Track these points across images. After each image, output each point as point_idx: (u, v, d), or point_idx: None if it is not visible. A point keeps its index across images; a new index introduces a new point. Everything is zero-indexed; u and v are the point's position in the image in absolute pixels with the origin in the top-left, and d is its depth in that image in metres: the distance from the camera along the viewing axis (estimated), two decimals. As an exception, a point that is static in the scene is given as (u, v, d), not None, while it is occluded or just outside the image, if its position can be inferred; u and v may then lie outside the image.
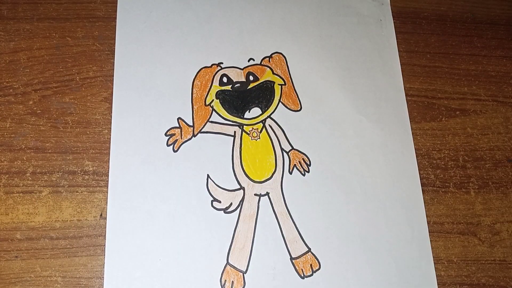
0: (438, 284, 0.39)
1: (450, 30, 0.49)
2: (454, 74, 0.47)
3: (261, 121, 0.41)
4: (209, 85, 0.42)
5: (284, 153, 0.41)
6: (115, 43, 0.42)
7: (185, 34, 0.43)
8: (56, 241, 0.36)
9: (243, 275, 0.37)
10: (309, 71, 0.44)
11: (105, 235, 0.36)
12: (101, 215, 0.37)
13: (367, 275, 0.38)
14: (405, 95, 0.45)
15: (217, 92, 0.41)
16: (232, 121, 0.41)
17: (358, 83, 0.44)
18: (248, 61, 0.43)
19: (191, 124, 0.40)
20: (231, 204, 0.38)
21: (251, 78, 0.42)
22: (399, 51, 0.47)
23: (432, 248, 0.40)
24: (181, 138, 0.39)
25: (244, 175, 0.39)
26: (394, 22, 0.48)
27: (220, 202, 0.38)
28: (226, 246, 0.37)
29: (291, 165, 0.40)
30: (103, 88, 0.41)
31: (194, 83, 0.42)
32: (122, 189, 0.37)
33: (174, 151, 0.39)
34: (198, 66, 0.42)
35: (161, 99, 0.41)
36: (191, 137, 0.40)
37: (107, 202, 0.37)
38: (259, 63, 0.43)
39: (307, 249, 0.38)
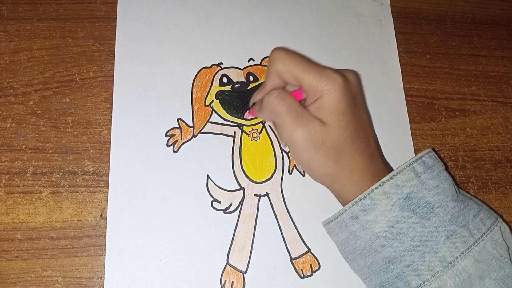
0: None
1: (450, 30, 0.49)
2: (454, 74, 0.47)
3: (261, 122, 0.41)
4: (209, 85, 0.42)
5: (284, 154, 0.41)
6: (115, 43, 0.42)
7: (185, 34, 0.43)
8: (56, 241, 0.36)
9: (243, 275, 0.37)
10: (309, 71, 0.44)
11: (105, 235, 0.36)
12: (101, 215, 0.37)
13: (367, 275, 0.38)
14: (405, 96, 0.45)
15: (217, 92, 0.41)
16: (232, 122, 0.41)
17: (358, 84, 0.44)
18: (248, 61, 0.43)
19: (191, 125, 0.40)
20: (231, 204, 0.38)
21: (251, 78, 0.42)
22: (399, 51, 0.47)
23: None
24: (181, 139, 0.40)
25: (244, 176, 0.39)
26: (394, 22, 0.48)
27: (220, 202, 0.38)
28: (226, 246, 0.37)
29: (291, 165, 0.41)
30: (103, 88, 0.41)
31: (194, 84, 0.42)
32: (122, 190, 0.37)
33: (174, 152, 0.39)
34: (198, 66, 0.42)
35: (161, 99, 0.41)
36: (191, 138, 0.40)
37: (107, 202, 0.37)
38: (259, 63, 0.43)
39: (307, 250, 0.38)
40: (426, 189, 0.32)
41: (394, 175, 0.32)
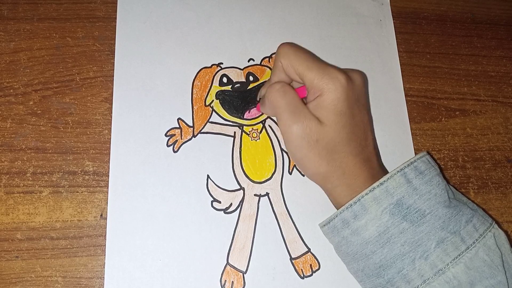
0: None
1: (450, 30, 0.49)
2: (454, 74, 0.47)
3: (261, 122, 0.41)
4: (209, 85, 0.42)
5: (284, 154, 0.41)
6: (115, 43, 0.42)
7: (185, 34, 0.43)
8: (56, 241, 0.36)
9: (243, 275, 0.37)
10: (309, 71, 0.44)
11: (105, 235, 0.36)
12: (101, 215, 0.37)
13: (367, 275, 0.38)
14: (405, 96, 0.45)
15: (217, 92, 0.41)
16: (232, 122, 0.41)
17: (358, 84, 0.44)
18: (248, 61, 0.43)
19: (191, 125, 0.40)
20: (231, 204, 0.38)
21: (251, 78, 0.42)
22: (399, 51, 0.47)
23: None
24: (181, 139, 0.40)
25: (244, 176, 0.39)
26: (394, 22, 0.48)
27: (220, 202, 0.38)
28: (226, 246, 0.37)
29: (291, 165, 0.41)
30: (103, 88, 0.41)
31: (194, 84, 0.42)
32: (122, 189, 0.37)
33: (174, 152, 0.39)
34: (198, 66, 0.42)
35: (161, 99, 0.41)
36: (191, 138, 0.40)
37: (107, 202, 0.37)
38: (259, 63, 0.43)
39: (307, 250, 0.38)
40: (417, 195, 0.32)
41: (384, 181, 0.32)
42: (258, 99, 0.40)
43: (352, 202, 0.32)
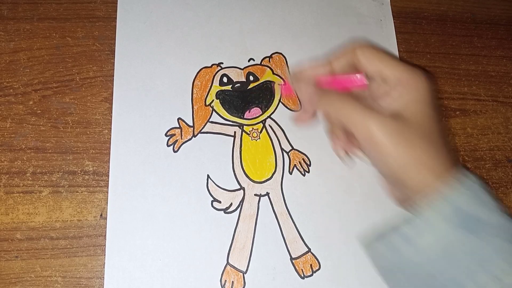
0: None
1: (450, 30, 0.49)
2: (454, 74, 0.47)
3: (261, 121, 0.41)
4: (209, 85, 0.42)
5: (284, 153, 0.41)
6: (115, 43, 0.42)
7: (185, 34, 0.43)
8: (56, 241, 0.36)
9: (243, 275, 0.37)
10: (309, 71, 0.44)
11: (105, 235, 0.36)
12: (101, 215, 0.37)
13: (367, 275, 0.38)
14: (405, 95, 0.45)
15: (217, 92, 0.41)
16: (232, 121, 0.41)
17: (358, 83, 0.44)
18: (248, 61, 0.43)
19: (191, 125, 0.40)
20: (231, 204, 0.38)
21: (251, 78, 0.42)
22: (399, 51, 0.47)
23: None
24: (181, 139, 0.40)
25: (244, 175, 0.39)
26: (394, 22, 0.48)
27: (220, 202, 0.38)
28: (226, 246, 0.37)
29: (291, 165, 0.40)
30: (103, 88, 0.41)
31: (194, 83, 0.42)
32: (122, 189, 0.37)
33: (174, 151, 0.39)
34: (198, 66, 0.42)
35: (161, 99, 0.41)
36: (191, 137, 0.40)
37: (107, 202, 0.37)
38: (259, 63, 0.43)
39: (307, 249, 0.38)
40: (477, 204, 0.30)
41: (445, 190, 0.30)
42: (292, 73, 0.39)
43: (412, 216, 0.30)
